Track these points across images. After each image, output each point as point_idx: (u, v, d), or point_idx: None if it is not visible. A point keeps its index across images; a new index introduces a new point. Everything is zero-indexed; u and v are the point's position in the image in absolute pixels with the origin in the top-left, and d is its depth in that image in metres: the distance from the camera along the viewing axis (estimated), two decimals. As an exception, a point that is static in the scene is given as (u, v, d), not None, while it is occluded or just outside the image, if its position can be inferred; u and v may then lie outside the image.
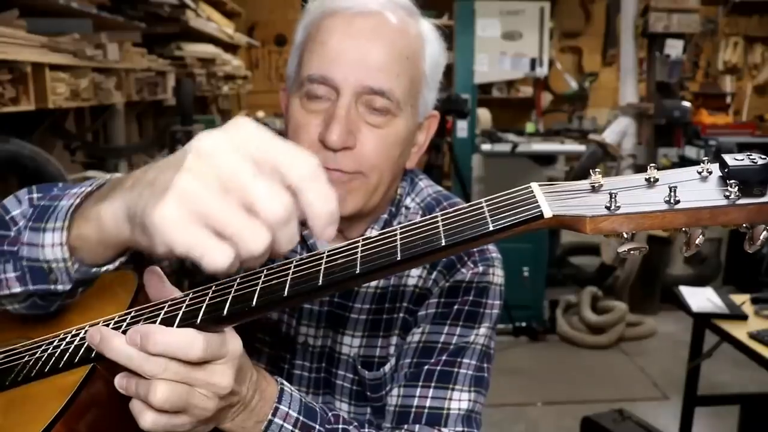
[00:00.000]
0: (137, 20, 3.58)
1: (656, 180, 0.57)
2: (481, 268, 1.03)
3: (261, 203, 0.50)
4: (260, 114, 7.31)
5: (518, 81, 8.38)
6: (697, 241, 0.56)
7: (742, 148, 5.47)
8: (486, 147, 5.39)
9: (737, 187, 0.53)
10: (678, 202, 0.54)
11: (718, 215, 0.53)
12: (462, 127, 4.89)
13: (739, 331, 2.33)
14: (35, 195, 0.75)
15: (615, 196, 0.55)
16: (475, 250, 1.04)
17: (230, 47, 6.55)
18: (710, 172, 0.57)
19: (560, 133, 6.62)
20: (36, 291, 0.71)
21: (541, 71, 5.31)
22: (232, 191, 0.50)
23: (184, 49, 4.52)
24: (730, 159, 0.55)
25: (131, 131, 4.33)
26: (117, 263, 0.69)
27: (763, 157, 0.54)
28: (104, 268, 0.69)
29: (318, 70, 0.94)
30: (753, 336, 2.26)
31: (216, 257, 0.50)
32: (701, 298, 2.62)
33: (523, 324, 4.29)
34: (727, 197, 0.53)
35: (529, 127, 6.69)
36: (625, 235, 0.56)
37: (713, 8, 7.98)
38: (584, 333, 4.26)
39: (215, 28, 5.37)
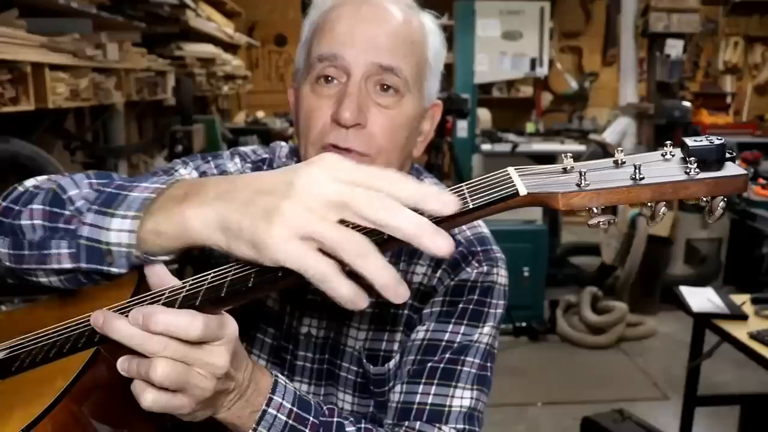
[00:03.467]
0: (137, 20, 3.58)
1: (623, 162, 0.63)
2: (485, 268, 1.04)
3: (363, 211, 0.57)
4: (260, 114, 7.30)
5: (518, 81, 8.38)
6: (661, 212, 0.61)
7: (742, 148, 5.47)
8: (486, 147, 5.39)
9: (696, 164, 0.59)
10: (642, 178, 0.59)
11: (679, 189, 0.59)
12: (462, 127, 4.89)
13: (740, 331, 2.33)
14: (95, 180, 0.79)
15: (584, 174, 0.60)
16: (479, 249, 1.05)
17: (230, 47, 6.55)
18: (673, 155, 0.63)
19: (560, 133, 6.62)
20: (88, 269, 0.74)
21: (541, 71, 5.32)
22: (335, 211, 0.58)
23: (184, 48, 4.52)
24: (690, 141, 0.60)
25: (131, 131, 4.33)
26: (173, 257, 0.72)
27: (719, 138, 0.60)
28: (162, 258, 0.72)
29: (329, 49, 0.97)
30: (753, 336, 2.26)
31: (320, 269, 0.56)
32: (701, 298, 2.62)
33: (524, 324, 4.28)
34: (687, 173, 0.59)
35: (529, 127, 6.70)
36: (596, 210, 0.61)
37: (713, 8, 7.98)
38: (584, 333, 4.26)
39: (215, 27, 5.37)
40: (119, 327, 0.66)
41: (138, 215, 0.70)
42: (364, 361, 1.04)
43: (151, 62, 3.79)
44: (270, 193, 0.59)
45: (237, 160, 1.12)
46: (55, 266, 0.75)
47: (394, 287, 0.57)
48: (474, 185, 0.66)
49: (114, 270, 0.73)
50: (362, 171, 0.59)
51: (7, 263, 0.80)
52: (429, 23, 1.05)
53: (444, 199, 0.58)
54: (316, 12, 1.04)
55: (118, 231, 0.71)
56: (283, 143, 1.19)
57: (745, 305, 2.53)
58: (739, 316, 2.44)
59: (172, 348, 0.65)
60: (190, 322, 0.65)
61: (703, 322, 2.54)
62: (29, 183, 0.85)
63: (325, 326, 1.07)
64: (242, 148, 1.15)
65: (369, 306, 1.05)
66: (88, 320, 0.70)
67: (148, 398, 0.67)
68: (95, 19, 2.92)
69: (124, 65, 3.21)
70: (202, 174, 1.07)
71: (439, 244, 0.56)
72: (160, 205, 0.69)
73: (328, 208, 0.57)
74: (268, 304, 1.09)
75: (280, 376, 0.83)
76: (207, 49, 5.15)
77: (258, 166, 1.12)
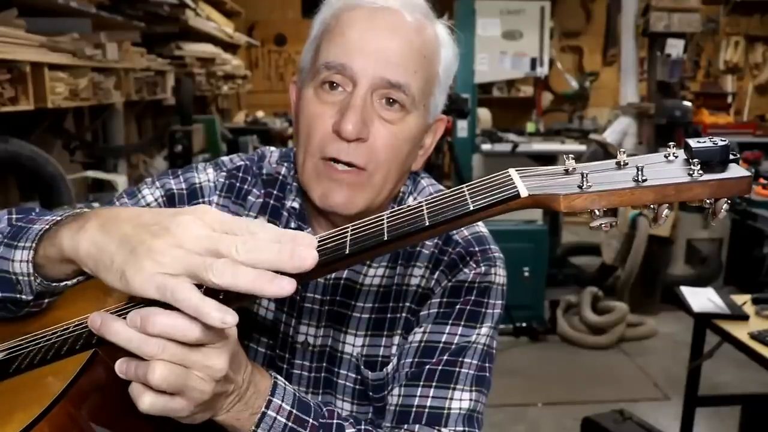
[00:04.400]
0: (136, 20, 3.58)
1: (626, 164, 0.62)
2: (483, 268, 1.03)
3: (231, 252, 0.62)
4: (260, 114, 7.30)
5: (518, 80, 8.38)
6: (663, 214, 0.61)
7: (743, 147, 5.47)
8: (486, 147, 5.39)
9: (700, 166, 0.58)
10: (645, 180, 0.59)
11: (682, 191, 0.58)
12: (462, 127, 4.88)
13: (740, 331, 2.32)
14: (14, 216, 0.87)
15: (586, 176, 0.60)
16: (477, 249, 1.04)
17: (230, 47, 6.55)
18: (676, 156, 0.62)
19: (561, 132, 6.61)
20: (3, 298, 0.79)
21: (542, 71, 5.31)
22: (204, 251, 0.62)
23: (184, 48, 4.51)
24: (693, 142, 0.60)
25: (130, 131, 4.33)
26: (75, 280, 0.78)
27: (723, 139, 0.59)
28: (63, 284, 0.78)
29: (337, 58, 0.95)
30: (754, 336, 2.25)
31: (186, 297, 0.61)
32: (702, 299, 2.61)
33: (524, 324, 4.28)
34: (690, 175, 0.58)
35: (530, 126, 6.68)
36: (597, 212, 0.60)
37: (714, 7, 7.98)
38: (585, 333, 4.26)
39: (215, 27, 5.37)
40: (117, 329, 0.65)
41: (32, 246, 0.76)
42: (362, 367, 1.03)
43: (151, 62, 3.79)
44: (146, 231, 0.65)
45: (210, 170, 1.10)
46: None
47: (270, 286, 0.60)
48: (475, 187, 0.66)
49: (23, 297, 0.79)
50: (228, 219, 0.66)
51: None
52: (443, 34, 1.03)
53: (302, 241, 0.63)
54: (328, 10, 1.01)
55: (19, 261, 0.77)
56: (273, 148, 1.17)
57: (746, 305, 2.53)
58: (740, 317, 2.43)
59: (171, 350, 0.65)
60: (188, 323, 0.64)
61: (704, 322, 2.53)
62: None
63: (322, 334, 1.05)
64: (223, 158, 1.15)
65: (367, 312, 1.04)
66: (86, 322, 0.70)
67: (146, 401, 0.66)
68: (94, 19, 2.92)
69: (123, 65, 3.21)
70: (168, 192, 1.07)
71: (299, 262, 0.61)
72: (50, 234, 0.76)
73: (198, 249, 0.62)
74: (261, 314, 1.07)
75: (279, 377, 0.83)
76: (207, 48, 5.15)
77: (233, 173, 1.10)
